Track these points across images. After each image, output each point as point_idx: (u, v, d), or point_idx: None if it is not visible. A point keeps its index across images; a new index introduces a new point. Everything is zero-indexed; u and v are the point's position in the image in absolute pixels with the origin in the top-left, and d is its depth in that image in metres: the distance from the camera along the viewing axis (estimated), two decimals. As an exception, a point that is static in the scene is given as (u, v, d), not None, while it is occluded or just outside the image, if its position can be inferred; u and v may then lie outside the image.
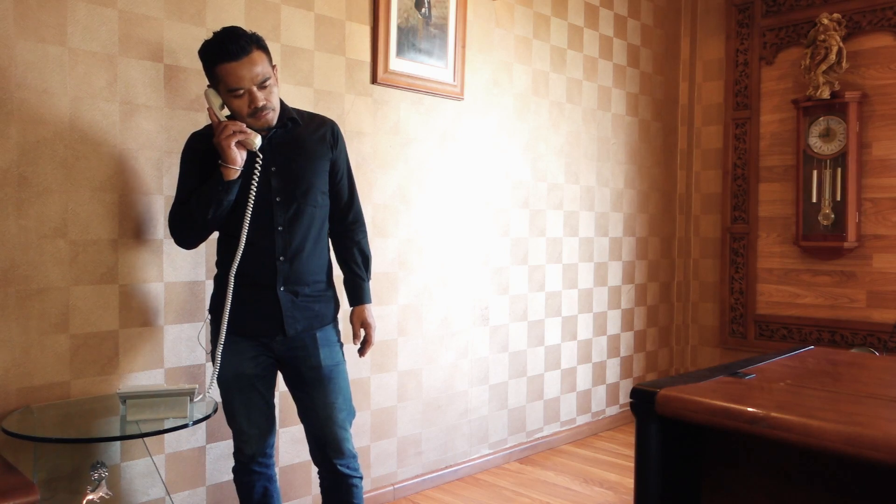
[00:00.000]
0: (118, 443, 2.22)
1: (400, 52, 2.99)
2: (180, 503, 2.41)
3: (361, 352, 2.28)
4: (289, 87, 2.65)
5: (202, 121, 2.42)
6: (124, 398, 1.99)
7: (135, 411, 1.99)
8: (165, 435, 2.31)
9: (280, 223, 2.04)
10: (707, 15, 4.53)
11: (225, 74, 1.92)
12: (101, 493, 2.04)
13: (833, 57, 3.84)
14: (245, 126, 1.96)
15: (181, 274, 2.39)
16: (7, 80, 2.02)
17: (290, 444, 2.71)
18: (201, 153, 2.04)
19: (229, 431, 2.53)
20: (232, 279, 2.01)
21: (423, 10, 3.07)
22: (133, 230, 2.28)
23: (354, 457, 2.17)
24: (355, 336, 2.26)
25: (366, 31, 2.89)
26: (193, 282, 2.42)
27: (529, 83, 3.62)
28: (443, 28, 3.15)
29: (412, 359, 3.12)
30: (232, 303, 2.03)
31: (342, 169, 2.21)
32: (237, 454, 2.19)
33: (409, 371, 3.12)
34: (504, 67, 3.48)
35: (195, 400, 2.10)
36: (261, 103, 1.94)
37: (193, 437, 2.44)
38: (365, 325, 2.25)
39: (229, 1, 2.48)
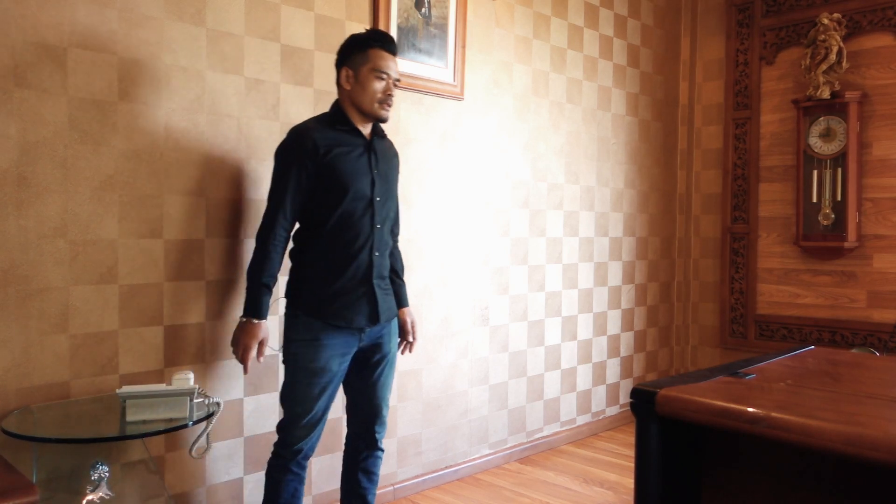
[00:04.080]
0: (118, 443, 2.22)
1: (400, 52, 2.98)
2: (180, 503, 2.41)
3: (410, 347, 2.52)
4: (289, 86, 2.65)
5: (202, 120, 2.42)
6: (124, 398, 1.99)
7: (135, 411, 1.99)
8: (165, 435, 2.31)
9: (378, 221, 2.25)
10: (707, 15, 4.53)
11: (378, 58, 2.19)
12: (101, 493, 2.04)
13: (833, 57, 3.84)
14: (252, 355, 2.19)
15: (183, 273, 2.39)
16: (7, 80, 2.02)
17: (290, 444, 2.71)
18: (309, 152, 2.15)
19: (229, 432, 2.53)
20: (338, 274, 2.20)
21: (423, 10, 3.07)
22: (133, 230, 2.28)
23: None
24: (405, 333, 2.48)
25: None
26: (195, 282, 2.42)
27: (529, 83, 3.62)
28: (443, 28, 3.15)
29: (412, 359, 3.12)
30: (332, 295, 2.19)
31: (397, 184, 2.44)
32: (282, 449, 2.23)
33: (409, 371, 3.11)
34: (504, 67, 3.48)
35: (195, 400, 2.11)
36: (392, 93, 2.22)
37: (193, 438, 2.43)
38: (413, 323, 2.50)
39: (229, 1, 2.48)
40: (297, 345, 2.19)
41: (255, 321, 2.17)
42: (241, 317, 2.19)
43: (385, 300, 2.29)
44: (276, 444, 2.25)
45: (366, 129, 2.26)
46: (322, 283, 2.18)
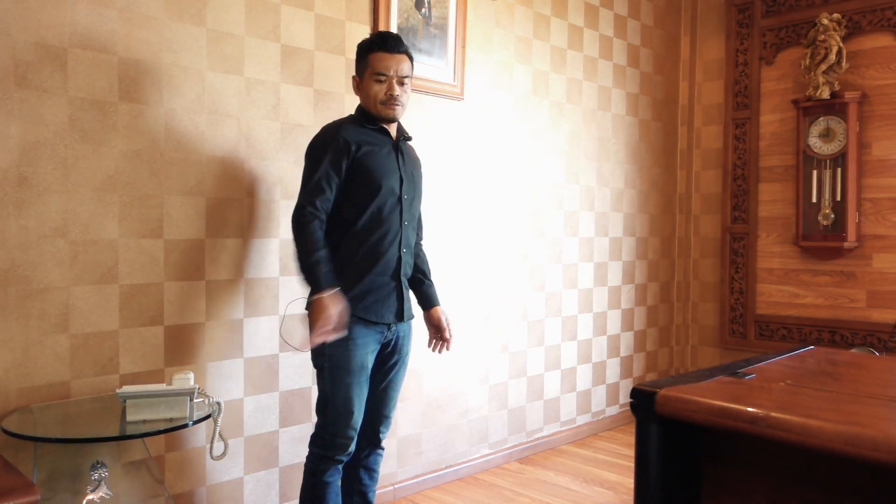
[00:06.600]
0: (118, 443, 2.22)
1: (400, 52, 2.99)
2: (180, 503, 2.41)
3: (447, 345, 2.51)
4: (289, 87, 2.65)
5: (202, 120, 2.42)
6: (124, 398, 1.99)
7: (135, 411, 1.99)
8: (165, 435, 2.31)
9: (406, 219, 2.31)
10: (707, 15, 4.53)
11: (376, 61, 2.21)
12: (101, 493, 2.04)
13: (833, 57, 3.84)
14: (333, 330, 2.09)
15: (183, 273, 2.39)
16: (7, 80, 2.02)
17: (290, 443, 2.71)
18: (342, 148, 2.18)
19: (229, 432, 2.53)
20: (372, 268, 2.22)
21: (423, 10, 3.07)
22: (133, 230, 2.28)
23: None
24: (441, 330, 2.48)
25: (366, 31, 2.89)
26: (195, 282, 2.42)
27: (529, 83, 3.62)
28: (443, 28, 3.15)
29: (412, 359, 3.11)
30: (363, 291, 2.20)
31: (422, 188, 2.48)
32: (332, 451, 2.21)
33: (409, 371, 3.09)
34: (504, 67, 3.48)
35: (195, 400, 2.11)
36: (396, 93, 2.22)
37: (193, 437, 2.44)
38: (447, 320, 2.50)
39: (230, 1, 2.48)
40: (331, 346, 2.15)
41: (328, 292, 2.07)
42: (310, 296, 2.11)
43: (409, 298, 2.35)
44: (325, 451, 2.22)
45: (392, 130, 2.30)
46: (354, 279, 2.20)
